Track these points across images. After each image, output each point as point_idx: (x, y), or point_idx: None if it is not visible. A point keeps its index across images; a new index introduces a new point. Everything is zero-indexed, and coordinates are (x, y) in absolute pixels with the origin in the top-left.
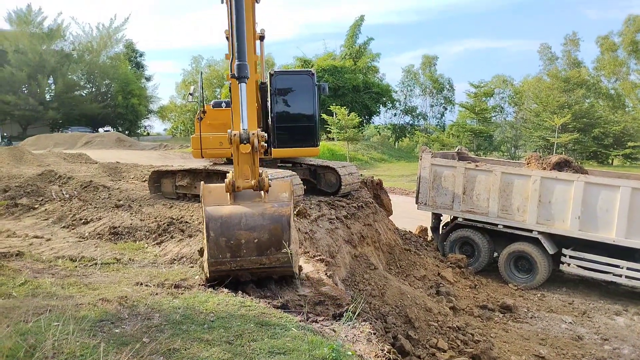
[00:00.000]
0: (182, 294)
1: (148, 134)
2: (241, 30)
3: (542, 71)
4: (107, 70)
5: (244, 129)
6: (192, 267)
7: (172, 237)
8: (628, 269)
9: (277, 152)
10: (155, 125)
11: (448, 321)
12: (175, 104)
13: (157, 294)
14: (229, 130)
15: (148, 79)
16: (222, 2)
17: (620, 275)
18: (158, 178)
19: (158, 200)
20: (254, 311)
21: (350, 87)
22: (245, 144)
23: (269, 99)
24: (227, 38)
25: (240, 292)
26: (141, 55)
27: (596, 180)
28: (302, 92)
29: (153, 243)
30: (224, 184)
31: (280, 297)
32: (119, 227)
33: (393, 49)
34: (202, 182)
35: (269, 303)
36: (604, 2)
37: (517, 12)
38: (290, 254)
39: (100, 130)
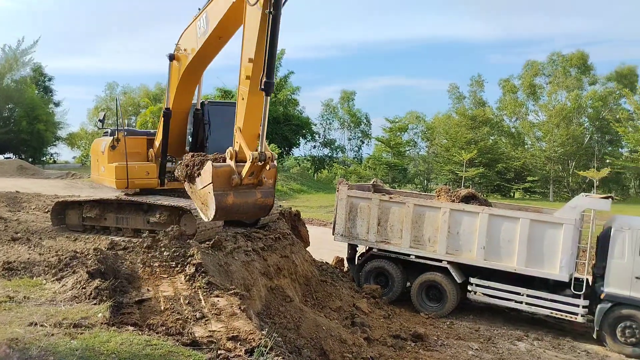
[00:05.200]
0: (81, 333)
1: (54, 161)
2: (274, 51)
3: (451, 109)
4: (11, 94)
5: (261, 152)
6: (95, 304)
7: (74, 272)
8: (528, 296)
9: None
10: (63, 153)
11: (362, 352)
12: (86, 131)
13: (53, 334)
14: (229, 149)
15: (57, 104)
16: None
17: (521, 302)
18: (62, 209)
19: (61, 233)
20: (161, 350)
21: (270, 118)
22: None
23: (200, 128)
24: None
25: (147, 329)
26: (50, 80)
27: (499, 212)
28: (231, 123)
29: (52, 279)
30: (228, 167)
31: (190, 334)
32: (15, 262)
33: (312, 83)
34: (209, 162)
35: (177, 340)
36: (504, 48)
37: (427, 54)
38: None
39: (0, 157)
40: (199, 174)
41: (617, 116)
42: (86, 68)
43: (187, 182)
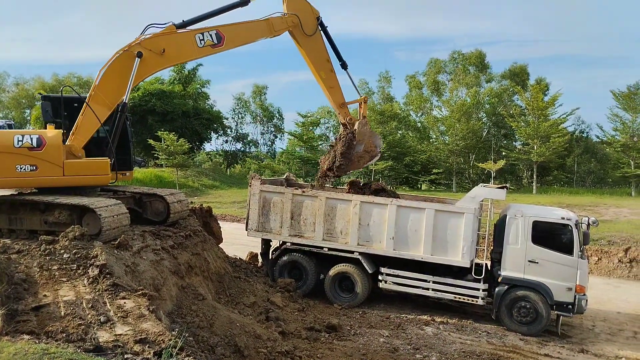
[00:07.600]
0: None
1: None
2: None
3: None
4: None
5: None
6: None
7: None
8: (434, 282)
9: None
10: None
11: (277, 346)
12: None
13: None
14: (345, 120)
15: None
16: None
17: (428, 289)
18: None
19: None
20: (60, 358)
21: (179, 112)
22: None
23: (127, 125)
24: None
25: (45, 337)
26: None
27: (406, 203)
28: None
29: None
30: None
31: (93, 339)
32: None
33: (224, 77)
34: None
35: (79, 347)
36: (411, 45)
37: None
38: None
39: None
40: (353, 140)
41: (511, 112)
42: None
43: (344, 157)
